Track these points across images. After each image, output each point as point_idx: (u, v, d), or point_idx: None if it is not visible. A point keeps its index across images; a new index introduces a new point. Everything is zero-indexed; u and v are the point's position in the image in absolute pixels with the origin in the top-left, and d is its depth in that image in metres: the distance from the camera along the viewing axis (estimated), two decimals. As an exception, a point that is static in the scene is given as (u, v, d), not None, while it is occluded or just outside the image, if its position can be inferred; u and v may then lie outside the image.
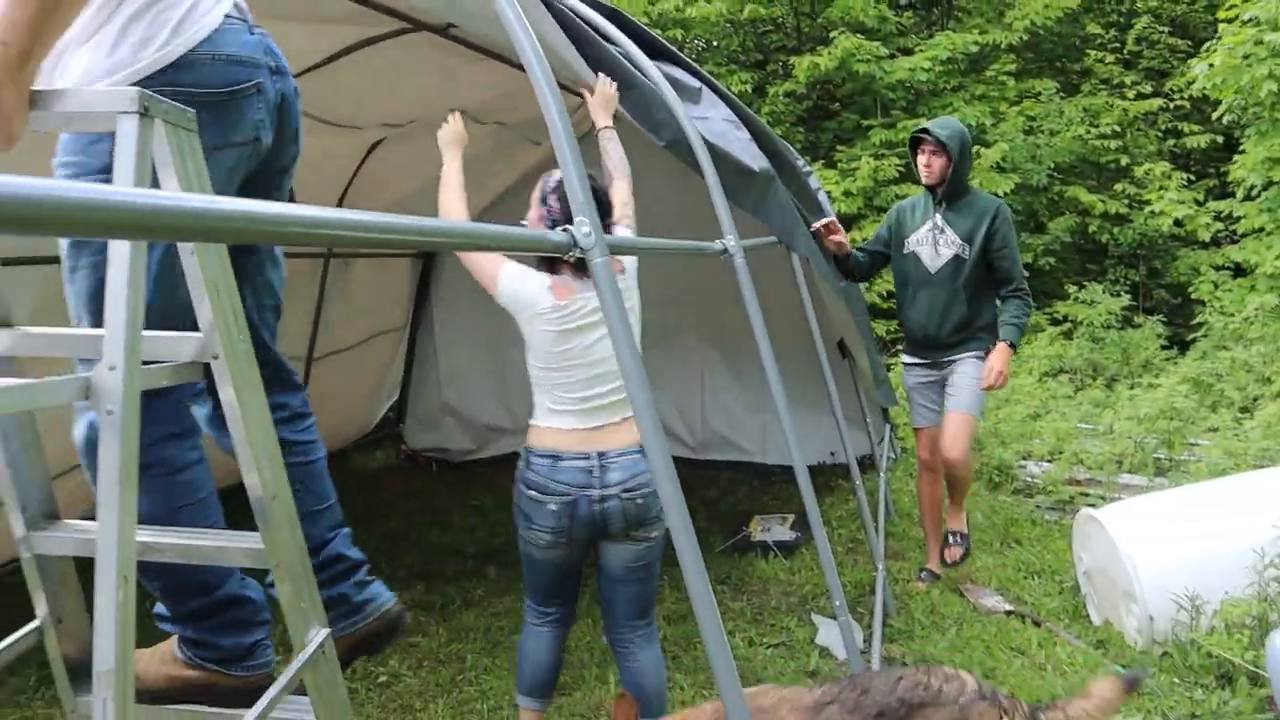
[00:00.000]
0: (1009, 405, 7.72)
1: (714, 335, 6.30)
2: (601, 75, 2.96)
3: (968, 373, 4.27)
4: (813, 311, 4.07)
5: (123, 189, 0.61)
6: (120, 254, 1.14)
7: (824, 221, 4.04)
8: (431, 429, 6.96)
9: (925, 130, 4.28)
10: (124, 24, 1.51)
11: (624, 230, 2.80)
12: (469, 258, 2.68)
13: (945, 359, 4.35)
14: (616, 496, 2.61)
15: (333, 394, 6.29)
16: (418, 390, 7.00)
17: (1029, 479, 6.16)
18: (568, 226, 1.43)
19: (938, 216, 4.29)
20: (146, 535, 1.47)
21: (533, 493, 2.62)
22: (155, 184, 1.26)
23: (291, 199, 2.01)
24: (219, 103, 1.57)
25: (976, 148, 10.68)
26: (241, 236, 0.81)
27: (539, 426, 2.68)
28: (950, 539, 4.60)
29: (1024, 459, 6.54)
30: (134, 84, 1.50)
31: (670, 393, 6.40)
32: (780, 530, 5.07)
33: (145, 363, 1.31)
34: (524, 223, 2.85)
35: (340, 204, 5.24)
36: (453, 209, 2.71)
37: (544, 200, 2.75)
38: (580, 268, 2.67)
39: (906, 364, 4.55)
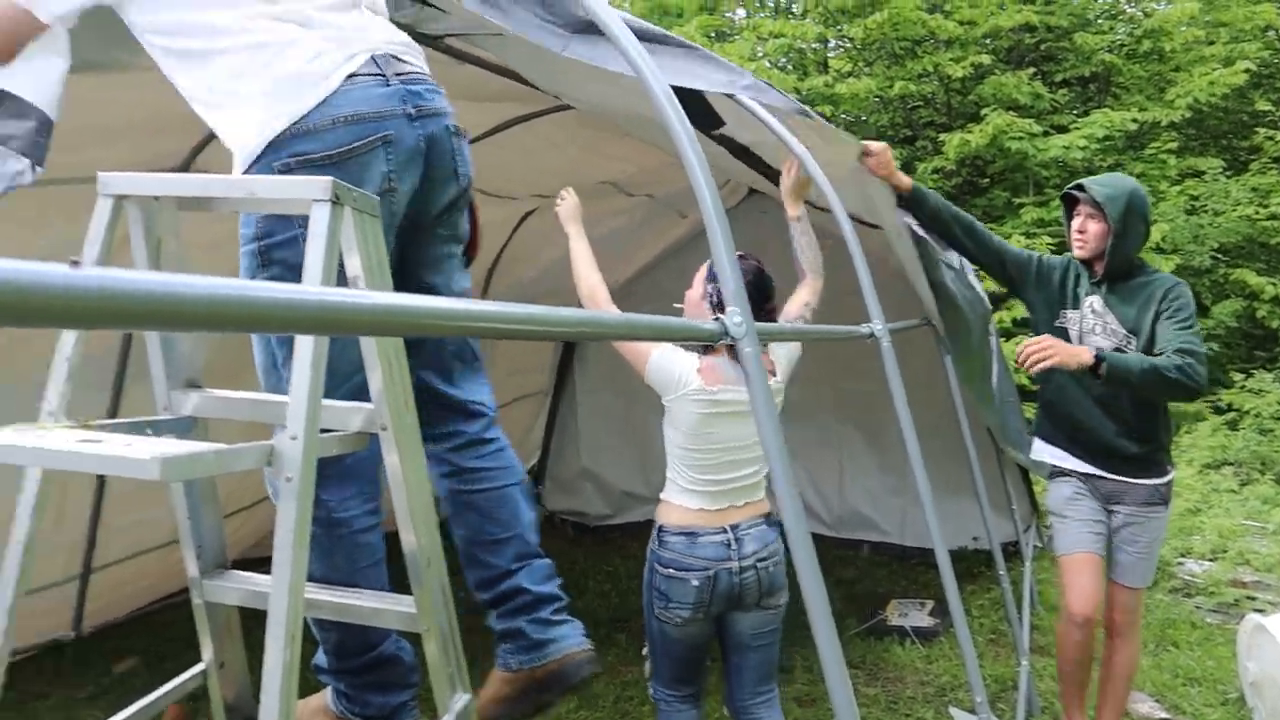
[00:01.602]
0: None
1: (854, 413, 6.22)
2: (791, 159, 2.97)
3: (1148, 528, 3.25)
4: (959, 393, 3.99)
5: (290, 288, 0.67)
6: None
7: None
8: (570, 492, 7.06)
9: (1081, 186, 3.24)
10: (259, 105, 1.65)
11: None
12: None
13: (1110, 475, 3.27)
14: (753, 567, 2.67)
15: (475, 454, 6.47)
16: (558, 453, 7.11)
17: (1188, 577, 5.82)
18: (720, 315, 1.46)
19: (1096, 300, 3.24)
20: (309, 592, 1.55)
21: (670, 570, 2.64)
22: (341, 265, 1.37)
23: (473, 223, 2.06)
24: (340, 163, 1.66)
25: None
26: (407, 330, 0.86)
27: (670, 503, 2.71)
28: None
29: (1182, 556, 6.19)
30: (262, 155, 1.64)
31: (808, 469, 6.33)
32: (918, 616, 4.93)
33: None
34: (684, 298, 2.89)
35: (493, 269, 5.43)
36: (595, 286, 2.73)
37: (712, 277, 2.78)
38: (736, 355, 2.71)
39: (1057, 472, 3.41)
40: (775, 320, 2.82)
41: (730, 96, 2.59)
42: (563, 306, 1.07)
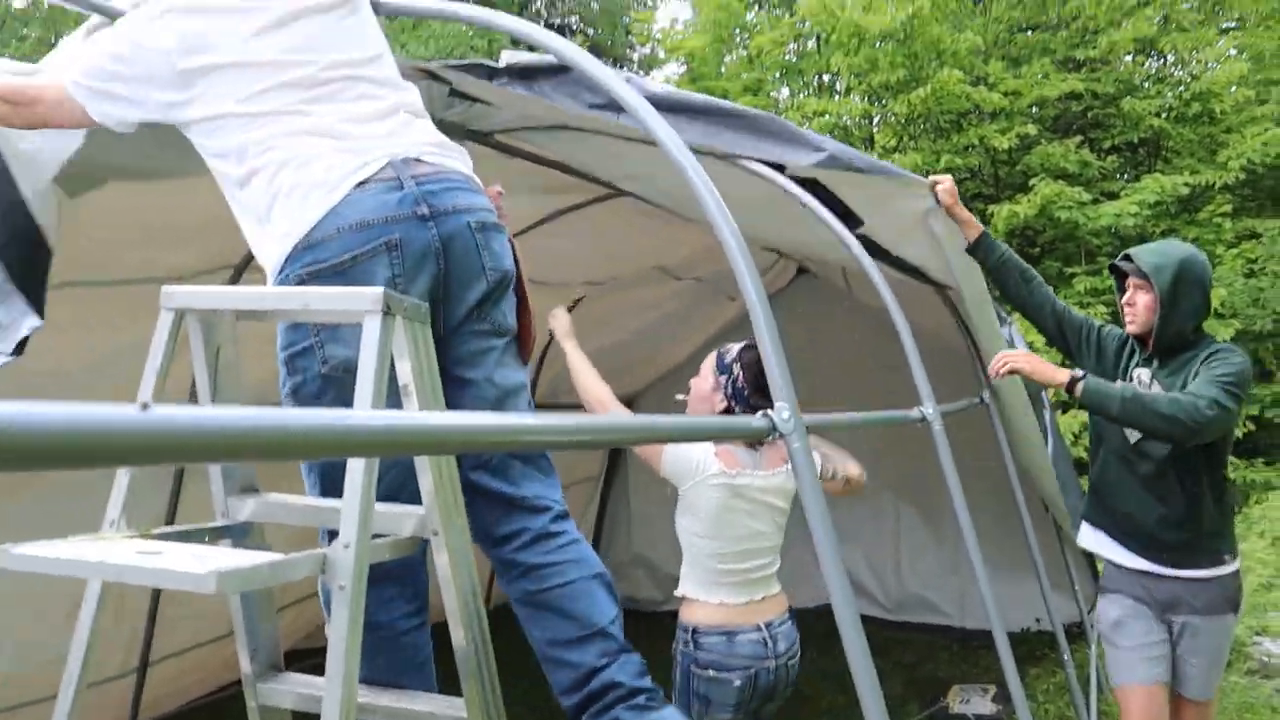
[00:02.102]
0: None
1: (908, 491, 6.13)
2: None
3: (1214, 637, 2.91)
4: (1014, 469, 3.93)
5: (339, 414, 0.69)
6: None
7: None
8: (621, 578, 6.97)
9: (1129, 256, 3.00)
10: (280, 222, 1.71)
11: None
12: None
13: (1159, 569, 2.93)
14: (784, 665, 2.66)
15: (528, 537, 6.47)
16: (609, 539, 7.07)
17: (1265, 658, 5.59)
18: (768, 412, 1.46)
19: (1144, 372, 2.97)
20: (362, 696, 1.55)
21: (711, 672, 2.59)
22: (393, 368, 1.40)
23: (525, 316, 2.04)
24: (345, 270, 1.69)
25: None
26: (453, 449, 0.88)
27: (699, 602, 2.66)
28: None
29: (1258, 634, 5.96)
30: (282, 268, 1.70)
31: (862, 549, 6.23)
32: (981, 702, 4.79)
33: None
34: (688, 387, 2.88)
35: (543, 358, 5.48)
36: (602, 394, 2.73)
37: (724, 369, 2.77)
38: (751, 443, 2.69)
39: (1104, 586, 3.11)
40: None
41: (744, 160, 2.62)
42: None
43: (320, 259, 1.68)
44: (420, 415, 0.84)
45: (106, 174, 2.19)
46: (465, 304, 1.86)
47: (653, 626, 6.56)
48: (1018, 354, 2.94)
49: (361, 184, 1.72)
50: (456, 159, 1.90)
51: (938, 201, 3.02)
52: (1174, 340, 2.89)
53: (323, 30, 1.83)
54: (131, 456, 0.54)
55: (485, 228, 1.87)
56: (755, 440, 2.66)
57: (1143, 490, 2.92)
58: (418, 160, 1.80)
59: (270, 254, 1.73)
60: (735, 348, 2.79)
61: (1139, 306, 2.92)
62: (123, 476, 1.41)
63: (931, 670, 5.52)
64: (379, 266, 1.71)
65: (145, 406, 0.55)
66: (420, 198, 1.76)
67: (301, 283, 1.67)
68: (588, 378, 2.76)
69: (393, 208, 1.73)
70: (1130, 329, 2.99)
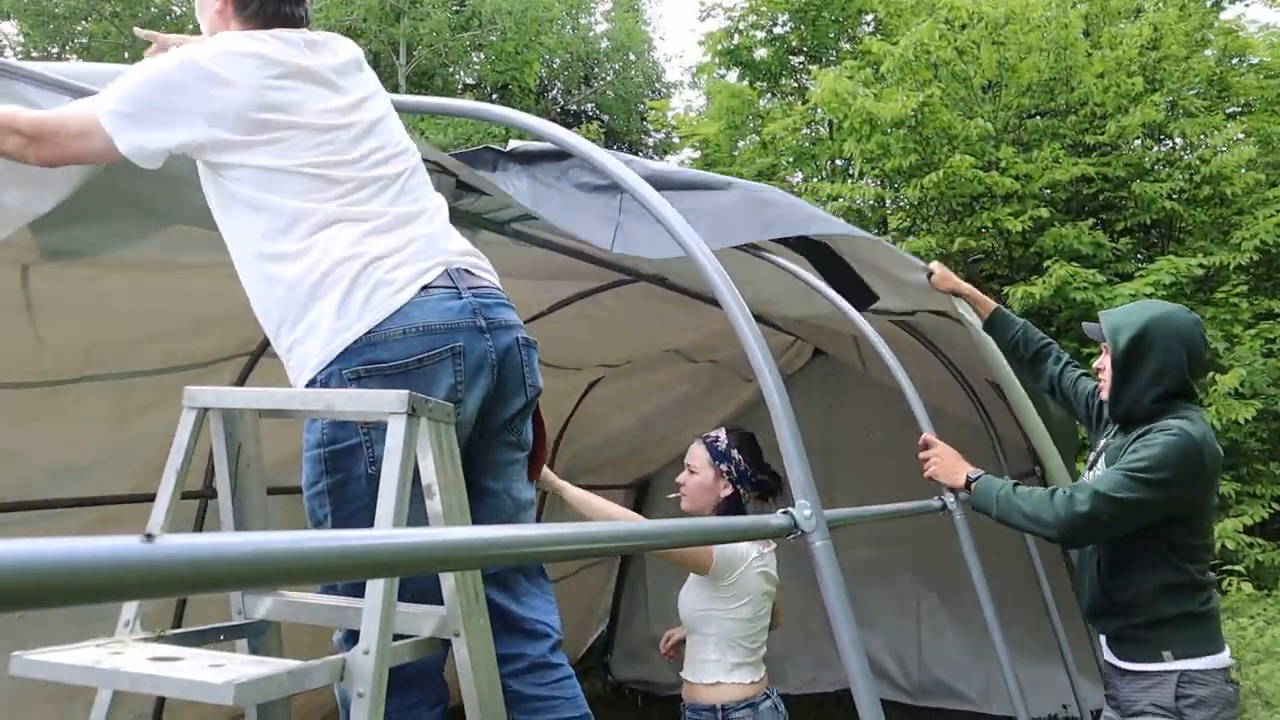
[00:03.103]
0: (1270, 660, 6.89)
1: (932, 573, 6.02)
2: None
3: None
4: (1038, 555, 3.86)
5: (356, 535, 0.68)
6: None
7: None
8: (639, 661, 6.88)
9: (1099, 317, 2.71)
10: (333, 313, 1.68)
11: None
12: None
13: (1114, 661, 2.59)
14: None
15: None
16: (626, 620, 6.98)
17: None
18: (789, 510, 1.44)
19: (1103, 441, 2.67)
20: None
21: None
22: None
23: (539, 436, 2.05)
24: (409, 372, 1.67)
25: (1212, 375, 9.97)
26: (482, 563, 0.87)
27: (726, 684, 2.72)
28: None
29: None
30: (333, 362, 1.66)
31: (883, 633, 6.11)
32: (1010, 796, 4.64)
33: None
34: (679, 484, 2.88)
35: (560, 439, 5.47)
36: (624, 514, 2.82)
37: (722, 456, 2.82)
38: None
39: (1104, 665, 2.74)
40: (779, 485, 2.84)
41: (754, 249, 2.66)
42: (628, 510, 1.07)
43: (382, 359, 1.67)
44: (444, 531, 0.83)
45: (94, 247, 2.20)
46: (503, 417, 1.89)
47: (668, 711, 6.43)
48: (931, 456, 2.77)
49: (425, 288, 1.73)
50: (493, 274, 1.93)
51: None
52: (1132, 409, 2.51)
53: (390, 119, 1.88)
54: (138, 591, 0.52)
55: (529, 345, 1.91)
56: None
57: (1090, 564, 2.61)
58: (468, 271, 1.83)
59: (314, 343, 1.68)
60: (723, 435, 2.88)
61: (1106, 371, 2.59)
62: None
63: (956, 761, 5.37)
64: (444, 373, 1.72)
65: (150, 537, 0.53)
66: (477, 309, 1.79)
67: (357, 379, 1.65)
68: (603, 506, 2.77)
69: (454, 315, 1.75)
70: (1102, 395, 2.65)
